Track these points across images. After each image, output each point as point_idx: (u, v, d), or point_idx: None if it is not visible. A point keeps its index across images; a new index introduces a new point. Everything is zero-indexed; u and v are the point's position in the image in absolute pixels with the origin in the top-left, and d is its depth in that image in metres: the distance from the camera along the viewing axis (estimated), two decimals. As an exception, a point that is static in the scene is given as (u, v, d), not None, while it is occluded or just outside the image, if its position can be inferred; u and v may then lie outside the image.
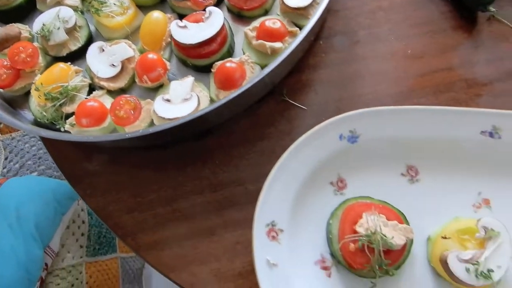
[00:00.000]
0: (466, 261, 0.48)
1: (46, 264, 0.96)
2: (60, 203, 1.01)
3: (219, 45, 0.68)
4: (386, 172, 0.58)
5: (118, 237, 0.63)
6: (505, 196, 0.55)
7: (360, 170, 0.58)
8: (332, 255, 0.55)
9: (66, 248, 1.04)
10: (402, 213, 0.55)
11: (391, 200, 0.56)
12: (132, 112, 0.66)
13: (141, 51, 0.71)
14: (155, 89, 0.70)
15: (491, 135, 0.54)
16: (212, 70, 0.66)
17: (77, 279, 1.04)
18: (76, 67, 0.71)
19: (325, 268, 0.56)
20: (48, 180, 1.17)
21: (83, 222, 1.09)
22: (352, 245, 0.51)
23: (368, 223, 0.50)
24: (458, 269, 0.48)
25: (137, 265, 1.28)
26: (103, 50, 0.70)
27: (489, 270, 0.47)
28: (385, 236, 0.49)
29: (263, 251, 0.54)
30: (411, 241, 0.53)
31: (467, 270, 0.48)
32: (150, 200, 0.65)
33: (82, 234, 1.08)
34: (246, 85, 0.57)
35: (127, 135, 0.57)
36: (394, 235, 0.50)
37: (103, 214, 0.65)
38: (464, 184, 0.56)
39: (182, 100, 0.65)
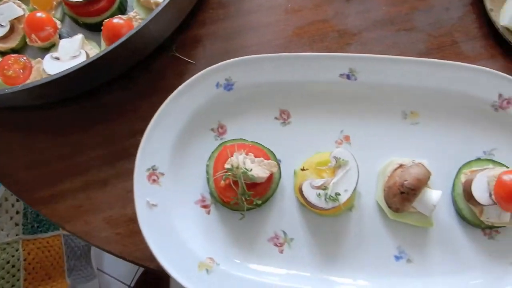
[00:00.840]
0: (318, 187, 0.54)
1: (-24, 242, 0.96)
2: (-12, 180, 0.99)
3: (108, 2, 0.69)
4: (262, 116, 0.62)
5: (13, 193, 0.65)
6: (361, 131, 0.61)
7: (238, 116, 0.63)
8: (211, 194, 0.60)
9: (-1, 226, 1.03)
10: (272, 152, 0.60)
11: (264, 141, 0.61)
12: (22, 71, 0.67)
13: (32, 11, 0.71)
14: (49, 49, 0.70)
15: (348, 77, 0.60)
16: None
17: (13, 256, 1.02)
18: (-37, 29, 0.70)
19: (204, 207, 0.60)
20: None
21: (18, 200, 1.08)
22: (222, 181, 0.56)
23: (233, 160, 0.55)
24: (310, 195, 0.54)
25: (83, 242, 1.28)
26: (-10, 10, 0.69)
27: (337, 194, 0.53)
28: (247, 169, 0.54)
29: (143, 193, 0.57)
30: (279, 175, 0.59)
31: (318, 195, 0.53)
32: (46, 157, 0.66)
33: (17, 212, 1.07)
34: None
35: (6, 90, 0.58)
36: (259, 170, 0.55)
37: (-3, 173, 0.66)
38: (329, 123, 0.61)
39: (70, 57, 0.66)
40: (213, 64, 0.66)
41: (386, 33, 0.67)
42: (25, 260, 1.03)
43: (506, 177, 0.50)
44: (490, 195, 0.52)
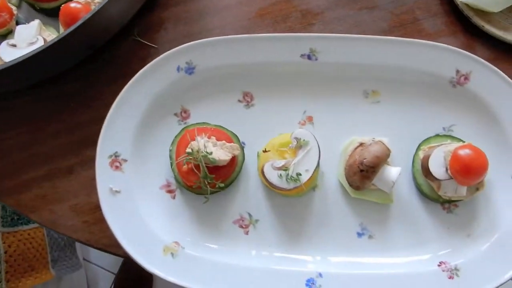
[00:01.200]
0: (279, 168, 0.54)
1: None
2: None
3: (65, -14, 0.67)
4: (225, 99, 0.62)
5: (-25, 186, 0.64)
6: (324, 112, 0.61)
7: (201, 100, 0.62)
8: (175, 178, 0.60)
9: (-23, 220, 1.02)
10: (235, 135, 0.60)
11: (228, 124, 0.60)
12: (-23, 60, 0.65)
13: (-14, -2, 0.69)
14: (6, 36, 0.68)
15: (309, 57, 0.60)
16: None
17: (-8, 249, 1.02)
18: None
19: (170, 192, 0.60)
20: None
21: (-5, 193, 1.06)
22: (185, 166, 0.56)
23: (194, 144, 0.54)
24: (272, 176, 0.54)
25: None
26: None
27: (298, 174, 0.54)
28: (207, 153, 0.54)
29: (106, 180, 0.57)
30: (243, 158, 0.59)
31: (280, 176, 0.54)
32: (8, 147, 0.65)
33: (-5, 206, 1.06)
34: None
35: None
36: (221, 153, 0.55)
37: (-45, 166, 0.64)
38: (292, 104, 0.61)
39: (27, 44, 0.65)
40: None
41: (348, 12, 0.66)
42: (5, 252, 1.03)
43: (461, 152, 0.51)
44: (446, 169, 0.53)
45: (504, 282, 0.51)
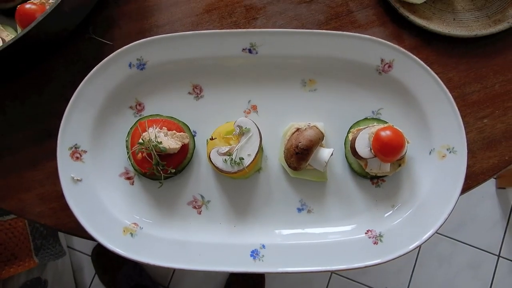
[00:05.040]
0: (224, 154, 0.60)
1: None
2: None
3: (20, -13, 0.70)
4: (176, 92, 0.67)
5: None
6: (267, 100, 0.67)
7: (154, 93, 0.67)
8: (132, 166, 0.65)
9: (-44, 211, 1.04)
10: (186, 124, 0.65)
11: (179, 115, 0.66)
12: None
13: None
14: (-35, 38, 0.71)
15: (250, 51, 0.65)
16: (17, 13, 0.68)
17: (-28, 240, 1.05)
18: None
19: (128, 178, 0.66)
20: None
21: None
22: (139, 155, 0.61)
23: (145, 135, 0.60)
24: (218, 161, 0.60)
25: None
26: None
27: (241, 158, 0.60)
28: (158, 142, 0.59)
29: (67, 170, 0.62)
30: (193, 145, 0.65)
31: (225, 160, 0.60)
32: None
33: (-25, 197, 1.08)
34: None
35: None
36: (172, 142, 0.61)
37: None
38: (237, 95, 0.67)
39: (-14, 45, 0.68)
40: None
41: (288, 6, 0.71)
42: (-14, 243, 1.06)
43: (381, 133, 0.58)
44: (370, 149, 0.60)
45: (420, 245, 0.59)
